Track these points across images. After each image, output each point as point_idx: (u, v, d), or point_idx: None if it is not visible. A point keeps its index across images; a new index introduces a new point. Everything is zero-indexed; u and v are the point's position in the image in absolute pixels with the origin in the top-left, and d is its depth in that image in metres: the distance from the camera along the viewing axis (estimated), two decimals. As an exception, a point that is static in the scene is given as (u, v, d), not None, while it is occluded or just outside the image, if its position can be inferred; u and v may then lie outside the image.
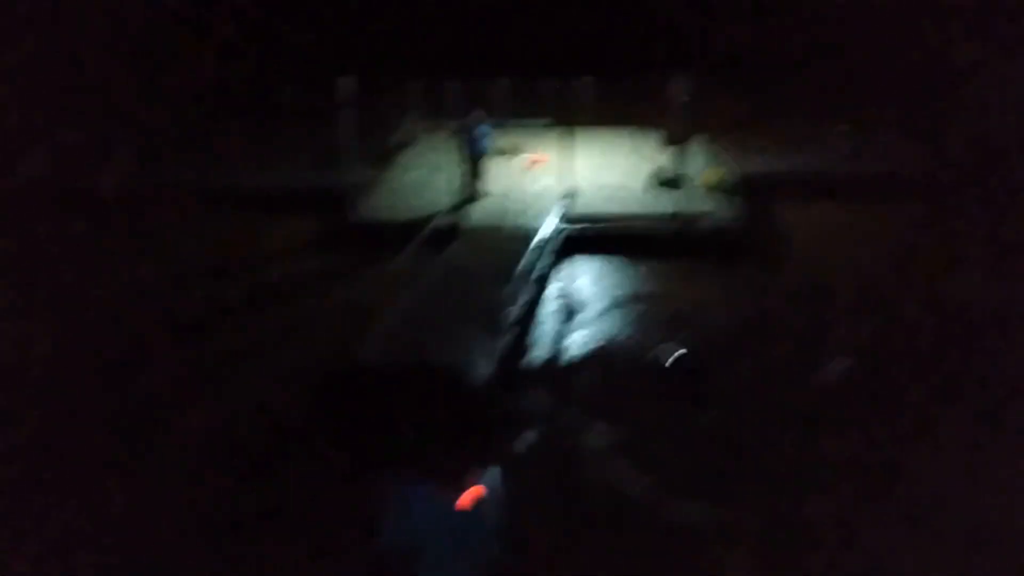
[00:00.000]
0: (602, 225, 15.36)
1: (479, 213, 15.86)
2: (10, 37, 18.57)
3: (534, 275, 13.10)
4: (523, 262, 12.56)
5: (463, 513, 4.80)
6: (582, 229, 15.23)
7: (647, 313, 12.74)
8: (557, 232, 14.76)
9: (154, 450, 9.24)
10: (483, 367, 10.42)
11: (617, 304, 13.09)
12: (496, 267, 13.07)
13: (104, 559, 7.49)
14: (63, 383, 10.71)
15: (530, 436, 9.47)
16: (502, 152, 18.62)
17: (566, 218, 15.12)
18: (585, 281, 14.01)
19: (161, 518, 8.04)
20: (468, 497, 4.83)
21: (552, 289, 13.72)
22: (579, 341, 11.96)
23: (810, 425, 9.23)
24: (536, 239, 13.27)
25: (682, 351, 10.66)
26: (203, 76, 19.71)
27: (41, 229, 15.42)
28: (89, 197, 16.79)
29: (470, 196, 16.22)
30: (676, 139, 16.95)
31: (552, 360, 11.50)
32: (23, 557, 7.45)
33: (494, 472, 5.41)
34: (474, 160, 16.36)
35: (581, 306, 13.10)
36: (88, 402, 10.25)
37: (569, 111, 16.90)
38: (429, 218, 14.57)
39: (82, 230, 15.52)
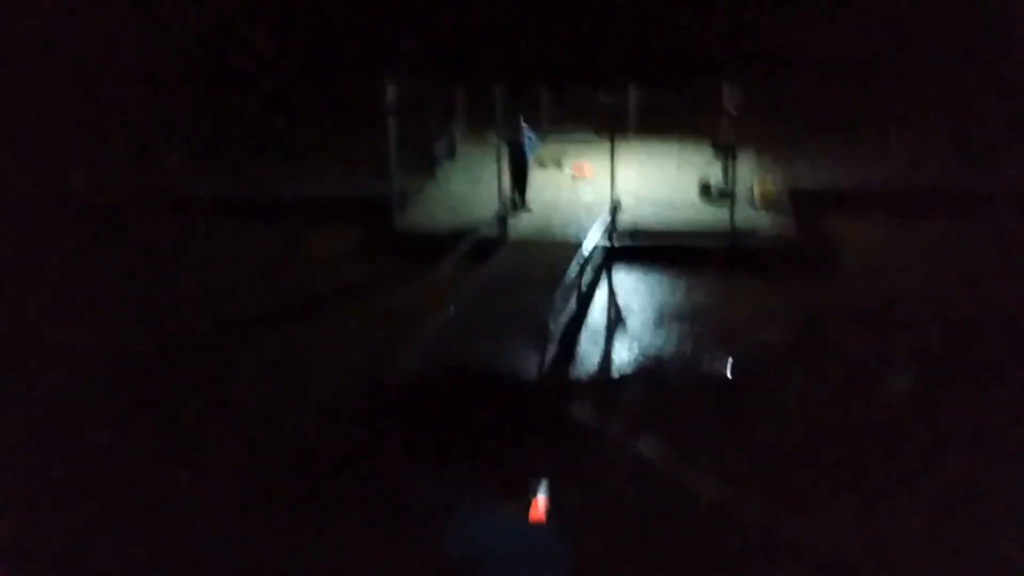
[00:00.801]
0: (648, 239, 15.06)
1: (523, 225, 15.66)
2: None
3: (580, 288, 12.84)
4: (568, 275, 12.31)
5: (527, 526, 4.77)
6: (628, 242, 14.95)
7: (696, 329, 12.41)
8: (603, 245, 14.49)
9: (200, 458, 9.18)
10: (528, 379, 10.23)
11: (664, 319, 12.79)
12: (541, 279, 12.85)
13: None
14: (105, 384, 10.82)
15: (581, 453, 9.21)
16: (546, 164, 18.44)
17: (612, 231, 14.85)
18: (631, 295, 13.72)
19: (208, 527, 7.97)
20: (538, 510, 4.82)
21: (598, 302, 13.46)
22: (626, 355, 11.69)
23: (872, 442, 8.88)
24: (581, 252, 13.01)
25: (734, 368, 10.35)
26: (245, 84, 19.76)
27: (74, 237, 15.57)
28: (129, 206, 16.92)
29: (514, 207, 16.03)
30: (725, 150, 16.60)
31: (599, 374, 11.25)
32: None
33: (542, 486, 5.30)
34: (518, 171, 16.18)
35: (626, 321, 12.83)
36: (127, 407, 10.30)
37: (615, 122, 16.58)
38: (473, 229, 14.39)
39: (120, 239, 15.66)
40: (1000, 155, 16.79)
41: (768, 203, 16.03)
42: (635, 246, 14.89)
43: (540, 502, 4.93)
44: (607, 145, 15.92)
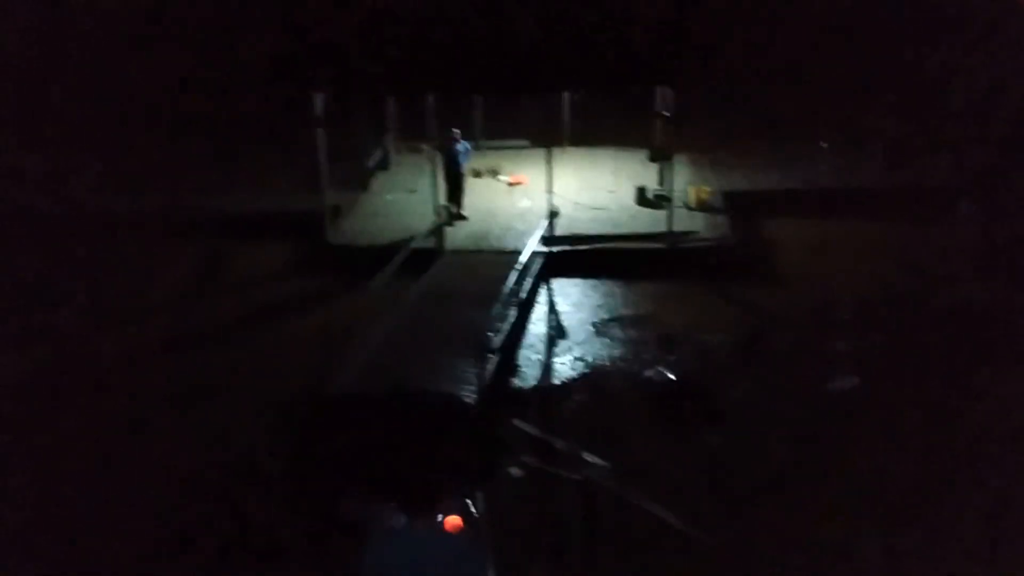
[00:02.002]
0: (586, 246, 14.91)
1: (460, 234, 15.38)
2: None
3: (517, 298, 12.60)
4: (506, 285, 12.05)
5: (444, 541, 4.87)
6: (565, 250, 14.78)
7: (636, 335, 12.27)
8: (540, 254, 14.30)
9: (125, 477, 8.93)
10: (467, 394, 9.94)
11: (604, 327, 12.62)
12: (478, 290, 12.59)
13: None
14: (33, 407, 10.41)
15: (517, 469, 8.94)
16: (480, 174, 18.20)
17: (549, 239, 14.66)
18: (570, 304, 13.53)
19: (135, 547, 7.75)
20: (450, 524, 4.93)
21: (536, 312, 13.24)
22: (567, 366, 11.47)
23: (819, 443, 8.80)
24: (518, 261, 12.77)
25: (678, 373, 10.20)
26: (169, 96, 19.16)
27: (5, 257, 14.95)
28: (51, 221, 16.27)
29: (449, 218, 15.75)
30: (660, 156, 16.58)
31: (539, 386, 11.01)
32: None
33: (478, 500, 5.27)
34: (453, 180, 15.92)
35: (567, 330, 12.63)
36: (56, 427, 9.93)
37: (549, 131, 16.45)
38: (407, 241, 14.06)
39: (45, 254, 15.02)
40: (925, 154, 17.14)
41: (704, 206, 16.04)
42: (574, 251, 14.72)
43: (458, 518, 4.83)
44: (542, 153, 15.76)
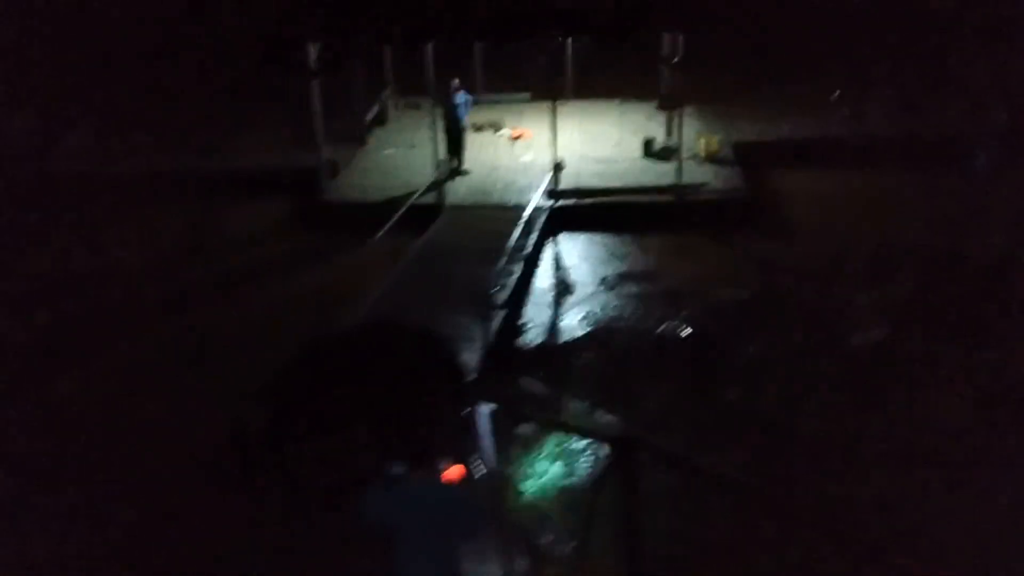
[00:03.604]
0: (592, 199, 14.41)
1: (461, 190, 14.87)
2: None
3: (522, 254, 12.12)
4: (510, 240, 11.59)
5: (444, 493, 4.70)
6: (571, 204, 14.28)
7: (645, 291, 11.82)
8: (544, 208, 13.80)
9: (128, 434, 8.65)
10: (472, 351, 9.54)
11: (612, 282, 12.17)
12: (482, 246, 12.16)
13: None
14: (28, 370, 10.04)
15: (528, 427, 8.55)
16: (482, 128, 17.64)
17: (554, 193, 14.16)
18: (577, 259, 13.07)
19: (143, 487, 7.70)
20: (451, 474, 4.75)
21: (542, 268, 12.79)
22: (574, 322, 11.05)
23: (841, 397, 8.39)
24: (524, 215, 12.28)
25: (690, 329, 9.76)
26: (161, 49, 18.53)
27: None
28: (45, 179, 15.81)
29: (451, 173, 15.23)
30: (668, 105, 16.00)
31: (547, 342, 10.59)
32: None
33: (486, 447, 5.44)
34: (454, 134, 15.36)
35: (574, 285, 12.19)
36: (54, 387, 9.67)
37: (552, 83, 15.84)
38: (407, 196, 13.57)
39: (38, 214, 14.62)
40: (940, 103, 16.58)
41: (713, 157, 15.50)
42: (580, 205, 14.23)
43: (461, 469, 4.64)
44: (545, 107, 15.18)
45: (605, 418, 8.62)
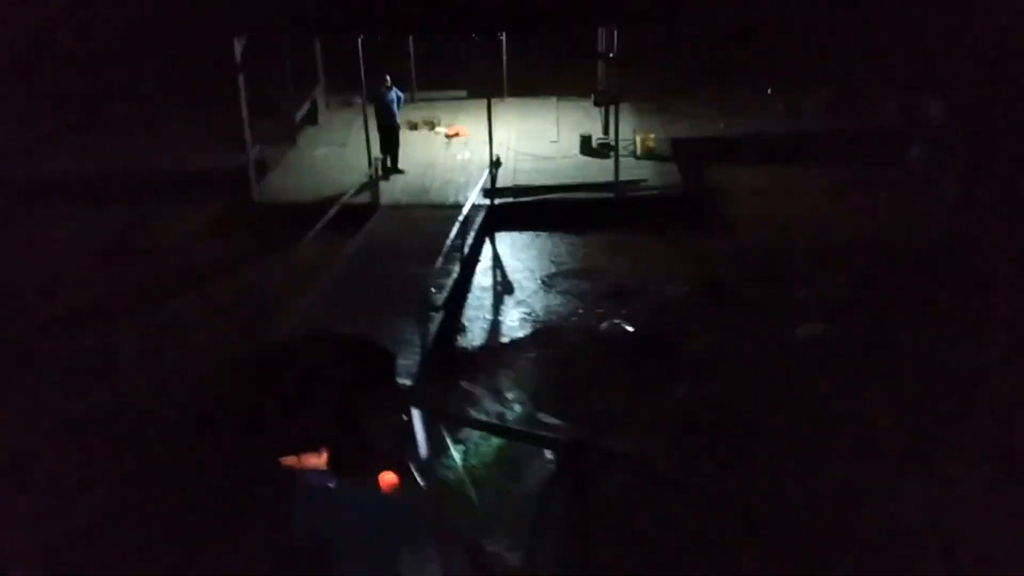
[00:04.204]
0: (530, 197, 14.17)
1: (396, 189, 14.48)
2: None
3: (460, 253, 11.79)
4: (447, 240, 11.25)
5: (377, 503, 4.08)
6: (509, 202, 14.01)
7: (587, 288, 11.61)
8: (482, 207, 13.51)
9: (53, 444, 8.25)
10: (410, 354, 9.19)
11: (552, 281, 11.94)
12: (418, 246, 11.82)
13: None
14: None
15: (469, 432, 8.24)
16: (417, 126, 17.27)
17: (491, 191, 13.87)
18: (516, 258, 12.81)
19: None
20: (384, 483, 4.11)
21: (481, 267, 12.49)
22: (515, 321, 10.77)
23: (787, 390, 8.28)
24: (460, 215, 11.95)
25: (633, 326, 9.57)
26: (85, 49, 17.74)
27: None
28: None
29: (385, 171, 14.82)
30: (604, 101, 15.84)
31: (487, 344, 10.30)
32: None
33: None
34: (387, 132, 14.95)
35: (513, 284, 11.92)
36: None
37: (487, 80, 15.53)
38: (340, 196, 13.12)
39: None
40: (875, 98, 16.80)
41: (651, 154, 15.40)
42: (518, 203, 13.98)
43: (394, 478, 4.32)
44: (481, 104, 14.88)
45: (548, 420, 8.36)
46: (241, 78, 13.73)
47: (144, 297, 11.85)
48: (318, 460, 4.68)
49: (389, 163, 15.03)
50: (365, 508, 4.54)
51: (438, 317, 10.08)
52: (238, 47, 13.50)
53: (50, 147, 16.69)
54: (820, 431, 7.62)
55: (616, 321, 9.93)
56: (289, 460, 4.84)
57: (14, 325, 10.89)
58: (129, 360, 10.04)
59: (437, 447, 6.62)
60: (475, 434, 8.18)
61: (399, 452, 5.84)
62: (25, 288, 12.00)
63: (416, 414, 6.04)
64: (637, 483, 5.77)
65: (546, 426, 8.28)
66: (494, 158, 14.12)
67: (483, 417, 8.51)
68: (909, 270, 10.71)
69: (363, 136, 14.46)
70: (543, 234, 13.47)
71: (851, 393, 8.10)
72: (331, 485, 4.52)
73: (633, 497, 6.33)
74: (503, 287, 11.87)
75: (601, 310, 10.75)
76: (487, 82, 15.30)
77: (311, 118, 17.73)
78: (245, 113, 14.02)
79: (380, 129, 14.85)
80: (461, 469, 7.47)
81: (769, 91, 18.49)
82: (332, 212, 12.45)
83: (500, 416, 8.56)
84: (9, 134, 16.59)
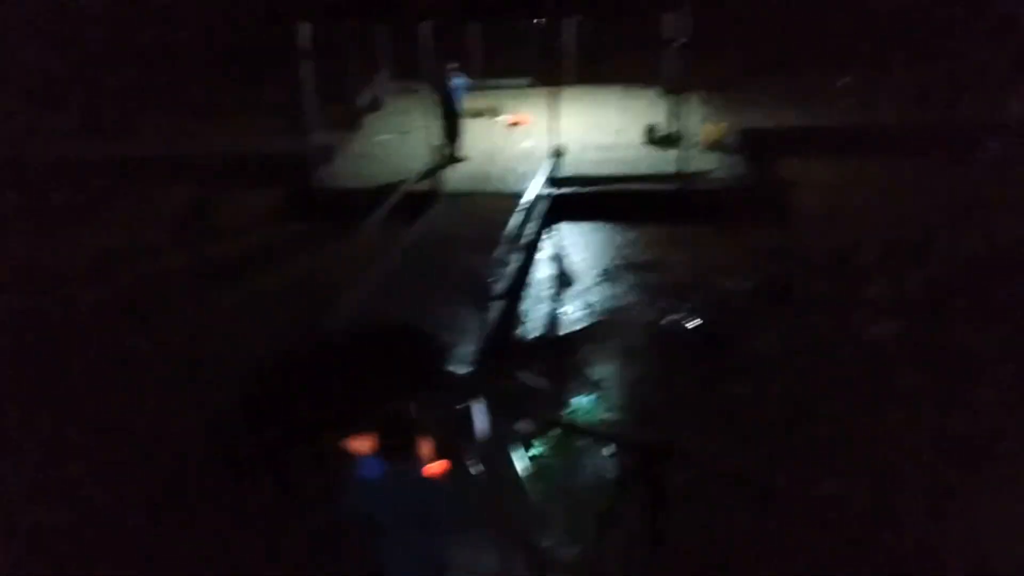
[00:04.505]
0: (593, 187, 13.91)
1: (457, 177, 14.37)
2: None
3: (521, 243, 11.60)
4: (508, 229, 11.07)
5: (426, 490, 4.42)
6: (571, 192, 13.78)
7: (648, 282, 11.33)
8: (544, 196, 13.30)
9: (112, 427, 8.33)
10: (467, 344, 9.05)
11: (614, 273, 11.68)
12: (478, 235, 11.67)
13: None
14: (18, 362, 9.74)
15: (525, 424, 8.07)
16: (480, 114, 17.13)
17: (554, 181, 13.65)
18: (577, 248, 12.58)
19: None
20: (434, 468, 4.47)
21: (541, 257, 12.30)
22: (574, 314, 10.56)
23: (853, 393, 7.90)
24: (522, 204, 11.76)
25: (698, 321, 9.26)
26: (148, 34, 18.01)
27: None
28: (29, 168, 15.36)
29: (447, 159, 14.72)
30: (672, 90, 15.48)
31: (546, 335, 10.11)
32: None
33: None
34: (450, 119, 14.84)
35: (574, 276, 11.70)
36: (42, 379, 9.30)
37: (552, 68, 15.27)
38: (401, 184, 13.05)
39: (21, 203, 14.19)
40: (953, 90, 16.11)
41: (718, 145, 14.99)
42: (581, 193, 13.74)
43: (445, 463, 4.57)
44: (545, 93, 14.65)
45: (607, 415, 8.14)
46: (305, 63, 13.75)
47: (203, 280, 11.97)
48: (367, 446, 4.67)
49: (451, 151, 14.93)
50: (413, 495, 4.50)
51: (497, 307, 9.93)
52: (303, 32, 13.51)
53: (115, 130, 17.01)
54: (893, 437, 7.25)
55: (678, 316, 9.63)
56: (342, 445, 4.84)
57: (72, 308, 11.09)
58: (183, 345, 10.11)
59: (496, 438, 6.47)
60: (535, 426, 8.04)
61: (452, 440, 5.80)
62: (86, 269, 12.23)
63: (476, 404, 5.93)
64: (704, 482, 5.51)
65: (604, 421, 8.08)
66: (557, 147, 13.89)
67: (550, 411, 8.34)
68: (989, 269, 10.18)
69: (426, 123, 14.36)
70: (605, 225, 13.23)
71: (926, 398, 7.69)
72: (380, 471, 4.52)
73: (699, 496, 6.08)
74: (563, 278, 11.65)
75: (663, 304, 10.46)
76: (551, 70, 15.04)
77: (374, 104, 17.73)
78: (308, 98, 14.05)
79: (443, 116, 14.75)
80: (520, 461, 7.30)
81: (843, 81, 17.89)
82: (393, 199, 12.40)
83: (557, 409, 8.37)
84: (74, 117, 16.98)
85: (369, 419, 5.88)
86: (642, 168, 14.34)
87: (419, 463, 4.49)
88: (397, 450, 4.48)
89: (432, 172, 13.91)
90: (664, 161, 14.46)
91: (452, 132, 14.95)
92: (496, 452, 6.65)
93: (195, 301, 11.34)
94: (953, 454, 7.06)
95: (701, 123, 15.40)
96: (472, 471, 6.89)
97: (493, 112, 17.31)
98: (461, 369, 8.59)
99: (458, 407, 7.28)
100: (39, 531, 6.82)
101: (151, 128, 16.99)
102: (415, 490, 4.42)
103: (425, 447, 4.56)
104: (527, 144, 15.65)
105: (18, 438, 8.18)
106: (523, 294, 11.11)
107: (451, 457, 4.98)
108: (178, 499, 7.18)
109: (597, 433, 6.29)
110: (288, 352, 8.82)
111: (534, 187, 12.77)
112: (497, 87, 18.78)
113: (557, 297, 11.09)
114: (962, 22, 17.44)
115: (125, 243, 13.18)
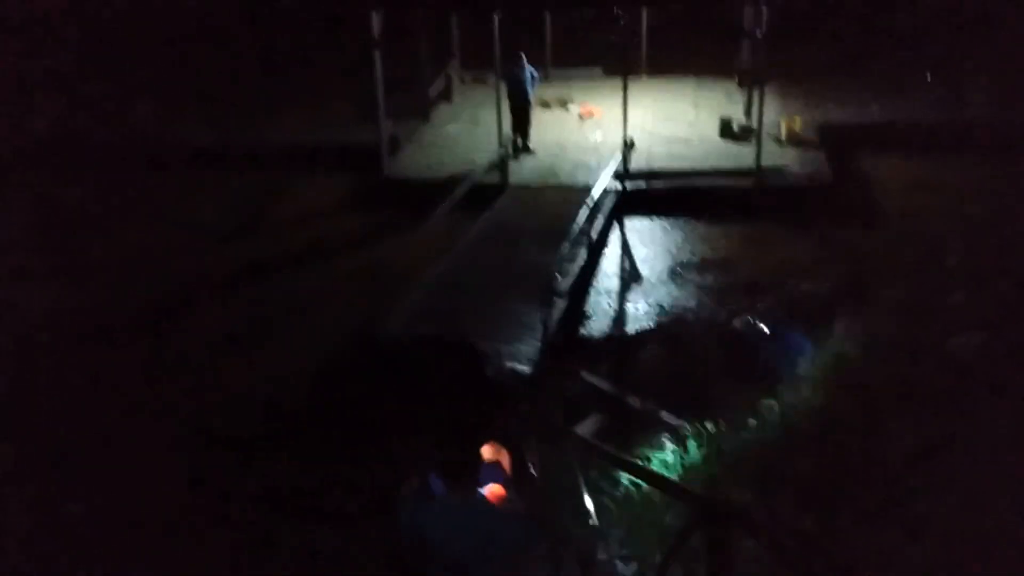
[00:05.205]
0: (664, 182, 13.62)
1: (526, 169, 14.24)
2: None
3: (588, 238, 11.42)
4: (575, 223, 10.90)
5: (483, 513, 4.41)
6: (641, 187, 13.52)
7: (719, 281, 11.05)
8: (613, 190, 13.07)
9: (175, 414, 8.56)
10: (531, 341, 8.94)
11: (684, 270, 11.43)
12: (545, 229, 11.54)
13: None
14: (93, 340, 10.15)
15: (592, 422, 7.92)
16: (549, 105, 16.94)
17: (623, 175, 13.40)
18: (646, 245, 12.34)
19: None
20: (492, 495, 4.47)
21: (609, 254, 12.10)
22: (642, 312, 10.35)
23: (937, 406, 7.53)
24: (591, 197, 11.57)
25: (768, 325, 8.97)
26: (222, 22, 18.27)
27: (56, 187, 14.58)
28: (107, 152, 15.77)
29: (516, 151, 14.59)
30: (748, 82, 15.06)
31: (612, 334, 9.93)
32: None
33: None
34: (520, 111, 14.69)
35: (642, 273, 11.48)
36: (114, 359, 9.66)
37: (624, 58, 14.93)
38: (469, 175, 12.98)
39: (98, 188, 14.58)
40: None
41: (796, 140, 14.53)
42: (651, 188, 13.47)
43: (501, 489, 4.56)
44: (617, 84, 14.39)
45: (671, 420, 7.93)
46: (377, 52, 13.76)
47: (272, 268, 12.12)
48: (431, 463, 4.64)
49: (520, 142, 14.79)
50: (470, 517, 4.41)
51: (562, 303, 9.79)
52: (376, 21, 13.52)
53: (189, 117, 17.32)
54: (981, 459, 6.86)
55: (749, 318, 9.34)
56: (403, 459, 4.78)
57: (142, 295, 11.33)
58: (253, 332, 10.25)
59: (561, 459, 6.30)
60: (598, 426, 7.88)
61: (517, 455, 5.65)
62: (157, 255, 12.50)
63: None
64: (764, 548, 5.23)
65: (668, 425, 7.88)
66: (627, 140, 13.64)
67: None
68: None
69: (495, 114, 14.26)
70: (676, 221, 12.94)
71: (1015, 416, 7.27)
72: (439, 493, 4.46)
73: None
74: (630, 275, 11.46)
75: (733, 305, 10.17)
76: (623, 60, 14.75)
77: (445, 94, 17.70)
78: (380, 87, 14.06)
79: (512, 107, 14.62)
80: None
81: (928, 75, 17.16)
82: (461, 190, 12.35)
83: (620, 409, 8.19)
84: (147, 104, 17.35)
85: (427, 432, 5.86)
86: (716, 162, 13.99)
87: (475, 487, 4.49)
88: (455, 473, 4.50)
89: (500, 164, 13.79)
90: (739, 156, 14.08)
91: (521, 123, 14.80)
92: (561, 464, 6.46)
93: (263, 289, 11.49)
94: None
95: (778, 116, 14.91)
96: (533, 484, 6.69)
97: (563, 103, 17.10)
98: (524, 367, 8.50)
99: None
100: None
101: (228, 115, 17.24)
102: (472, 514, 4.40)
103: (481, 471, 4.56)
104: (597, 136, 15.42)
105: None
106: (588, 291, 10.94)
107: (518, 466, 4.89)
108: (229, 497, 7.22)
109: (662, 483, 6.03)
110: (346, 354, 8.88)
111: (603, 181, 12.57)
112: (568, 77, 18.54)
113: (623, 295, 10.90)
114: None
115: (202, 229, 13.41)
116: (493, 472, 4.67)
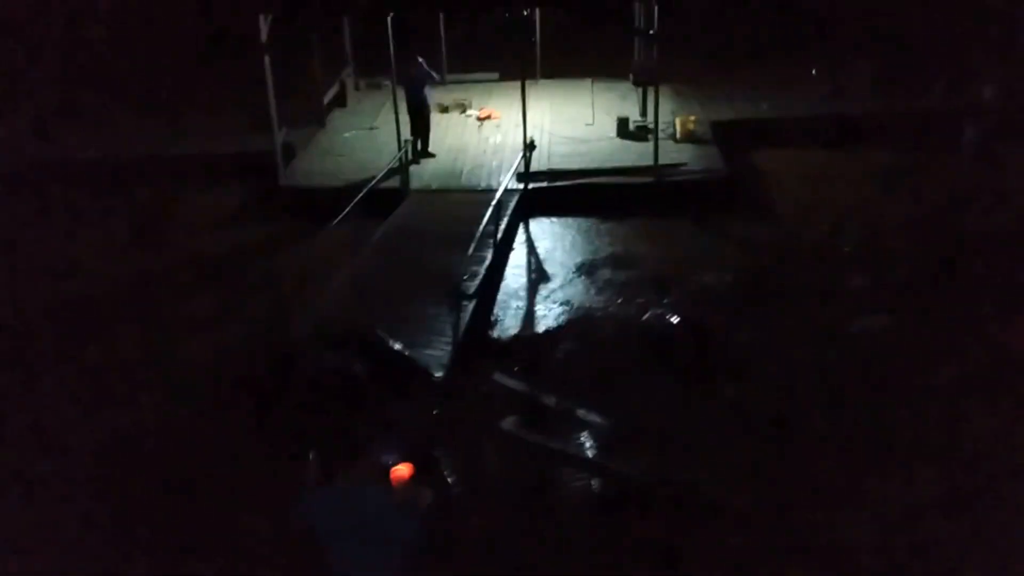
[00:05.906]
0: (565, 182, 13.64)
1: (426, 174, 14.03)
2: None
3: (493, 240, 11.29)
4: (479, 226, 10.77)
5: (378, 503, 4.53)
6: (543, 187, 13.50)
7: (625, 277, 11.08)
8: (515, 191, 13.00)
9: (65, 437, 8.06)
10: (440, 344, 8.76)
11: (590, 269, 11.42)
12: (449, 232, 11.38)
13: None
14: None
15: (507, 423, 7.80)
16: (448, 109, 16.78)
17: (524, 176, 13.35)
18: (551, 244, 12.31)
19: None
20: (397, 482, 4.60)
21: (514, 255, 12.01)
22: (551, 312, 10.29)
23: (842, 390, 7.70)
24: (493, 200, 11.46)
25: (678, 317, 9.01)
26: (105, 29, 17.44)
27: None
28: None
29: (415, 155, 14.37)
30: (643, 82, 15.25)
31: (521, 334, 9.82)
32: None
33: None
34: (418, 115, 14.47)
35: (548, 272, 11.43)
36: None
37: (520, 62, 14.89)
38: (368, 181, 12.69)
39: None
40: (922, 78, 16.04)
41: (691, 137, 14.78)
42: (553, 188, 13.46)
43: (406, 476, 4.67)
44: (513, 88, 14.34)
45: (587, 416, 7.88)
46: (267, 58, 13.33)
47: (166, 283, 11.54)
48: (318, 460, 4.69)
49: (419, 146, 14.57)
50: (365, 507, 4.47)
51: (470, 306, 9.64)
52: (264, 26, 13.09)
53: (72, 130, 16.43)
54: (893, 438, 7.04)
55: (659, 312, 9.38)
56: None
57: (30, 312, 10.63)
58: (144, 350, 9.71)
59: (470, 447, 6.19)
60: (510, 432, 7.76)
61: (423, 449, 5.74)
62: (44, 273, 11.75)
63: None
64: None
65: (584, 422, 7.82)
66: (527, 141, 13.59)
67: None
68: (976, 256, 10.03)
69: (393, 119, 14.00)
70: (579, 220, 12.95)
71: (925, 394, 7.50)
72: (332, 483, 4.55)
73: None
74: (538, 275, 11.39)
75: (640, 300, 10.22)
76: (520, 63, 14.72)
77: (340, 100, 17.34)
78: (272, 94, 13.63)
79: (410, 112, 14.38)
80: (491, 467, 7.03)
81: (814, 71, 17.77)
82: (361, 196, 12.05)
83: (534, 410, 8.08)
84: (28, 118, 16.39)
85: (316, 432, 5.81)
86: (615, 161, 14.07)
87: (369, 477, 4.56)
88: (341, 463, 4.60)
89: (400, 168, 13.55)
90: (637, 154, 14.21)
91: (420, 127, 14.59)
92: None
93: (158, 305, 10.92)
94: (966, 462, 6.82)
95: (673, 115, 15.15)
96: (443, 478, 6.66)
97: (461, 107, 16.97)
98: (436, 371, 8.31)
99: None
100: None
101: (113, 127, 16.43)
102: (366, 503, 4.51)
103: (372, 460, 4.68)
104: (496, 139, 15.35)
105: None
106: (496, 292, 10.82)
107: (420, 467, 4.87)
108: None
109: (582, 463, 6.02)
110: (247, 360, 8.52)
111: (505, 182, 12.49)
112: (466, 81, 18.45)
113: (531, 295, 10.82)
114: (934, 7, 17.35)
115: (88, 246, 12.66)
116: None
